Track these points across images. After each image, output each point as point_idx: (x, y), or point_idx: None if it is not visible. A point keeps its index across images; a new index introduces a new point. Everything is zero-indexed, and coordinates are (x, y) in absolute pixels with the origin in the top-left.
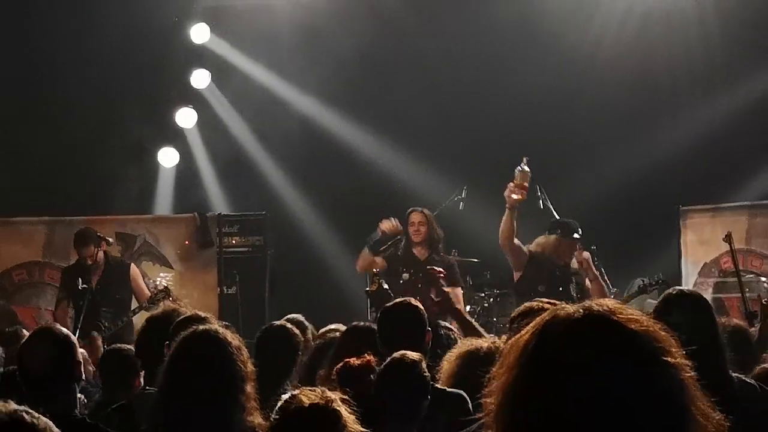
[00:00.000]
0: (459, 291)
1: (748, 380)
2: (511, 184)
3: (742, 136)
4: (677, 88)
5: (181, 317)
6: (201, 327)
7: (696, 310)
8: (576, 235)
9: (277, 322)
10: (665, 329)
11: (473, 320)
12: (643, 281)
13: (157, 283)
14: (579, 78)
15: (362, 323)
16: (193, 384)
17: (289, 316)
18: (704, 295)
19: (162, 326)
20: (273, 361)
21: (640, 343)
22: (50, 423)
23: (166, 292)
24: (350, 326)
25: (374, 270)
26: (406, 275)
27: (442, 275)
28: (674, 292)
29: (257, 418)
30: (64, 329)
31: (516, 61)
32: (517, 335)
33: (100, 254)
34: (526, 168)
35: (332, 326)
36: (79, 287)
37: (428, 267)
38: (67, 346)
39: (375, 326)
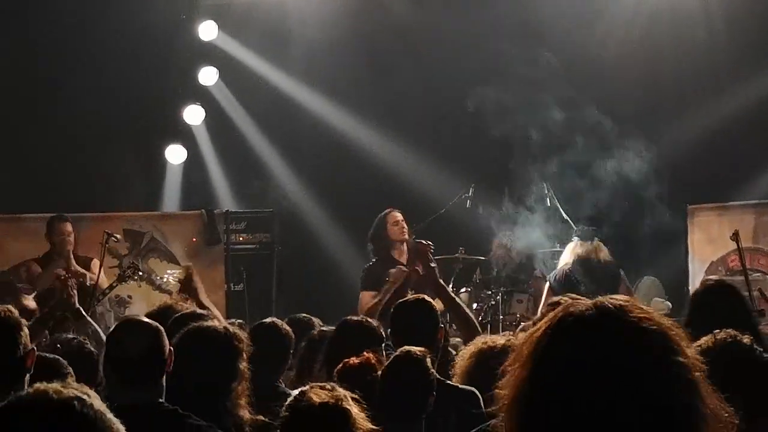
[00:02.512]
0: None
1: None
2: None
3: (750, 135)
4: (684, 86)
5: (178, 314)
6: (195, 324)
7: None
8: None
9: (269, 319)
10: (677, 326)
11: (464, 305)
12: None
13: (164, 280)
14: (585, 76)
15: (353, 318)
16: (185, 379)
17: (294, 315)
18: None
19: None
20: (263, 358)
21: (651, 341)
22: (104, 412)
23: (134, 268)
24: (342, 321)
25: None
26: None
27: (431, 248)
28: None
29: (246, 414)
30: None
31: (523, 60)
32: (531, 330)
33: (72, 240)
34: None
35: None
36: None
37: (416, 240)
38: (155, 337)
39: (367, 321)
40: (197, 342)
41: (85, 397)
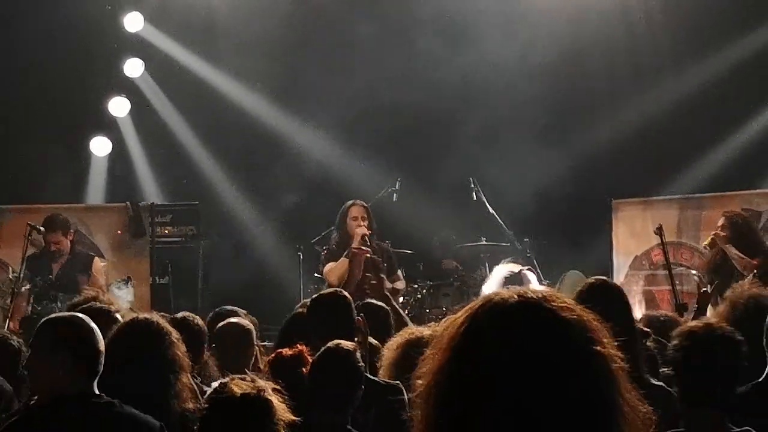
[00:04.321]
0: (400, 274)
1: (657, 382)
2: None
3: (674, 131)
4: (610, 82)
5: (82, 306)
6: (142, 316)
7: (616, 302)
8: None
9: (182, 314)
10: (598, 319)
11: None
12: None
13: None
14: (514, 69)
15: (305, 311)
16: (130, 370)
17: (222, 308)
18: (635, 288)
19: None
20: None
21: (570, 331)
22: None
23: (128, 279)
24: (293, 314)
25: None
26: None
27: (368, 255)
28: (597, 282)
29: (190, 404)
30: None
31: (451, 52)
32: (452, 318)
33: (66, 243)
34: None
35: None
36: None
37: (354, 247)
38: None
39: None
40: (133, 335)
41: None
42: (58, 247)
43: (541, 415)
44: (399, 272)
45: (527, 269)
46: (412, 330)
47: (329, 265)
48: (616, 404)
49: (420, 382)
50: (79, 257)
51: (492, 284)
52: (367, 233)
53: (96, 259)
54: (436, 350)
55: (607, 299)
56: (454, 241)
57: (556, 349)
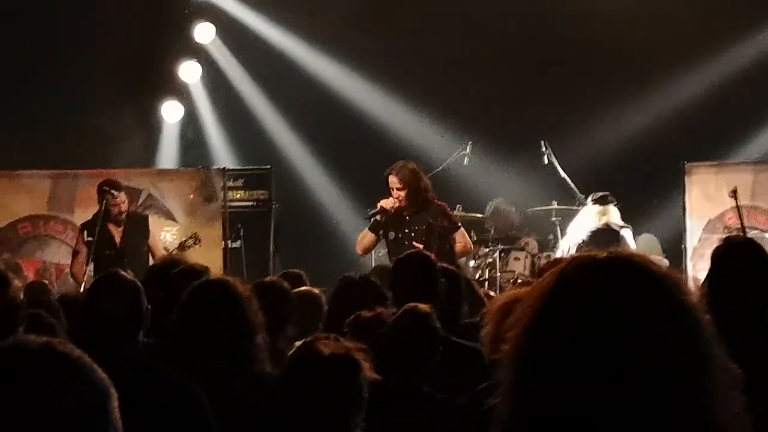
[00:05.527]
0: (460, 236)
1: None
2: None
3: (748, 93)
4: (684, 44)
5: (180, 268)
6: (214, 277)
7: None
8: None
9: (269, 278)
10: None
11: None
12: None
13: (161, 237)
14: (588, 33)
15: (354, 274)
16: (206, 333)
17: (287, 271)
18: (709, 251)
19: (163, 276)
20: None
21: (663, 283)
22: (83, 354)
23: (195, 237)
24: (342, 278)
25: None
26: (392, 234)
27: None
28: (741, 239)
29: (267, 368)
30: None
31: (523, 14)
32: (540, 279)
33: (127, 204)
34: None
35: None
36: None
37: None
38: (134, 293)
39: (369, 278)
40: (205, 296)
41: (63, 342)
42: (128, 207)
43: (633, 366)
44: (458, 234)
45: (624, 227)
46: (518, 290)
47: (361, 234)
48: (710, 355)
49: (509, 335)
50: (136, 219)
51: (580, 225)
52: (390, 206)
53: (150, 218)
54: (524, 308)
55: (754, 257)
56: (509, 208)
57: (651, 299)
